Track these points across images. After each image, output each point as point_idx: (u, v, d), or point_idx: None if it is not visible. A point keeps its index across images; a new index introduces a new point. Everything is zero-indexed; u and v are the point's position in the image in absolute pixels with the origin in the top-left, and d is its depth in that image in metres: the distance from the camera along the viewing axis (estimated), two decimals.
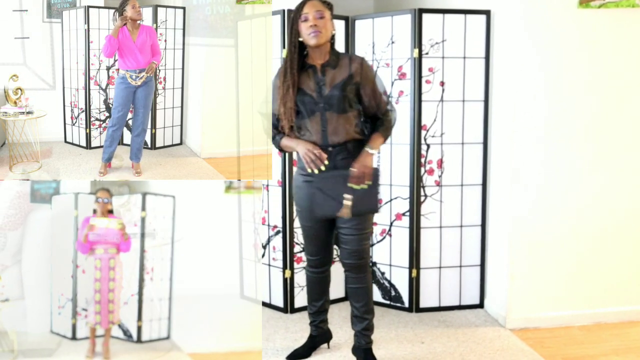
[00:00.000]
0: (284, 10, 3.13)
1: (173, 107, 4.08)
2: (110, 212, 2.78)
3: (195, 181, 3.42)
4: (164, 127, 4.06)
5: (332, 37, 2.41)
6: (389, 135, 2.46)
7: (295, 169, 2.59)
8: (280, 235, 3.30)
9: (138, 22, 3.29)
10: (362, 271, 2.50)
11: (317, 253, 2.61)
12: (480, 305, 3.36)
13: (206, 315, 3.01)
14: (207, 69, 3.93)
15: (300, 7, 2.35)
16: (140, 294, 2.97)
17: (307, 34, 2.31)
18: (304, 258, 2.90)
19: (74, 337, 2.96)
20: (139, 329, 2.98)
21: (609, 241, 3.14)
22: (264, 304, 3.43)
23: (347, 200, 2.29)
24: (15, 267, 3.04)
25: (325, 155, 2.34)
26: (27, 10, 3.68)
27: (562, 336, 3.01)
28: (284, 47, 3.17)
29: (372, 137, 2.42)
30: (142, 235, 2.96)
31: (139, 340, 2.97)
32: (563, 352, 2.82)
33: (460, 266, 3.33)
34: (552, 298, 3.12)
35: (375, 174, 2.35)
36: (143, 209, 2.95)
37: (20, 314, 2.91)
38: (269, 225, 3.35)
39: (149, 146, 4.01)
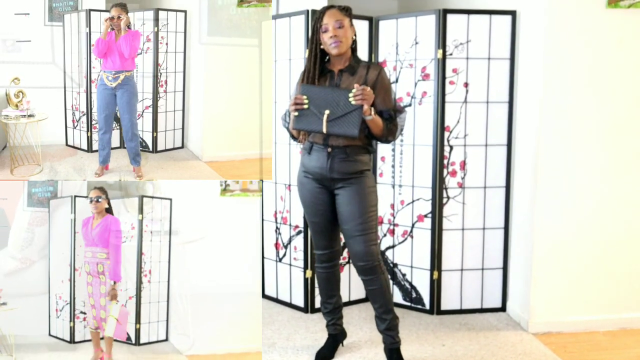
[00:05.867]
0: (307, 11, 3.14)
1: (174, 110, 4.12)
2: (108, 210, 2.78)
3: (196, 181, 3.44)
4: (165, 131, 4.10)
5: (354, 42, 2.47)
6: (390, 132, 2.44)
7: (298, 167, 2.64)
8: (302, 235, 3.31)
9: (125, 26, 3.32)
10: (371, 273, 2.49)
11: (325, 247, 2.65)
12: (503, 308, 3.33)
13: (214, 315, 3.02)
14: (207, 72, 3.96)
15: (319, 17, 2.42)
16: (138, 296, 2.98)
17: (328, 44, 2.40)
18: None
19: (72, 341, 3.00)
20: (137, 331, 2.99)
21: (634, 245, 3.08)
22: (285, 304, 3.45)
23: (325, 115, 2.30)
24: (42, 262, 3.10)
25: (301, 97, 2.33)
26: (28, 14, 3.73)
27: (586, 341, 2.97)
28: (308, 47, 3.18)
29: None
30: (140, 237, 2.97)
31: (137, 343, 3.00)
32: (587, 358, 2.78)
33: (483, 269, 3.31)
34: (576, 302, 3.07)
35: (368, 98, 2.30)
36: (140, 212, 2.97)
37: (17, 317, 2.94)
38: (290, 225, 3.37)
39: (150, 149, 4.06)
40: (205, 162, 3.91)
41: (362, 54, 3.25)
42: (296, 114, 2.35)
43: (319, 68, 2.46)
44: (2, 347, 2.83)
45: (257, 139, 3.63)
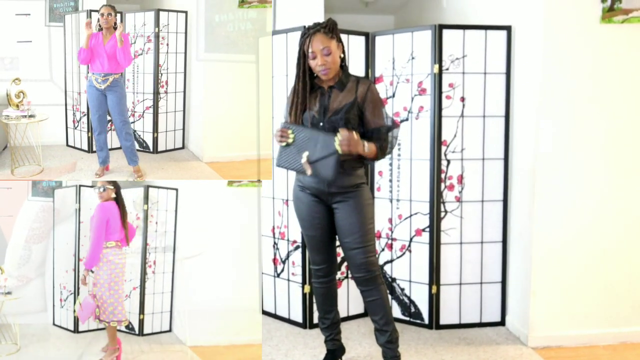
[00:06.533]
0: (304, 27, 3.15)
1: (175, 111, 4.12)
2: (116, 200, 2.74)
3: (198, 181, 3.44)
4: (166, 131, 4.10)
5: (342, 60, 2.48)
6: (382, 151, 2.44)
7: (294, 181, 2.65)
8: (300, 250, 3.30)
9: (113, 28, 3.33)
10: (372, 284, 2.51)
11: (322, 262, 2.66)
12: (502, 322, 3.32)
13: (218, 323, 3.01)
14: (208, 72, 3.97)
15: (306, 42, 2.41)
16: (142, 287, 2.98)
17: (317, 71, 2.43)
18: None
19: (76, 330, 2.98)
20: (141, 321, 2.99)
21: (634, 258, 3.08)
22: (283, 319, 3.43)
23: (304, 158, 2.34)
24: (39, 280, 3.09)
25: (286, 130, 2.38)
26: (29, 14, 3.76)
27: (586, 355, 2.95)
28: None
29: (369, 143, 2.40)
30: (145, 227, 2.96)
31: (141, 333, 2.99)
32: None
33: (481, 283, 3.30)
34: (576, 316, 3.06)
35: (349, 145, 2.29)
36: (145, 202, 2.97)
37: (23, 307, 2.94)
38: (288, 240, 3.36)
39: (151, 150, 4.05)
40: (205, 162, 3.92)
41: (359, 69, 3.27)
42: (283, 144, 2.39)
43: (309, 89, 2.48)
44: (7, 335, 2.83)
45: (257, 139, 3.65)
